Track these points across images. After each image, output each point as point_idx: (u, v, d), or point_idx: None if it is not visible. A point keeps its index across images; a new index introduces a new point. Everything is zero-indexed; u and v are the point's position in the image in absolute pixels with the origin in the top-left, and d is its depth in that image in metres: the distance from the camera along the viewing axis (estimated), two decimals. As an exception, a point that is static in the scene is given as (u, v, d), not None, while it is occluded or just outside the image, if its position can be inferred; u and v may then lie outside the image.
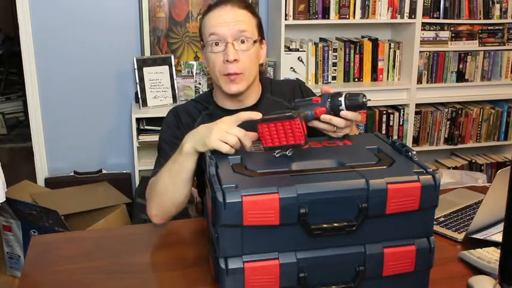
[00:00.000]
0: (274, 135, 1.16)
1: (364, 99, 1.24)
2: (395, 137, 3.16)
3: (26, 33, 2.85)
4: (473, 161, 3.34)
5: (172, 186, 1.33)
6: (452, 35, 3.15)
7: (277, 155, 1.16)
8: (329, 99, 1.26)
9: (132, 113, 2.81)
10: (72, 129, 3.04)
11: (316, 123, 1.29)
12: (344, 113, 1.25)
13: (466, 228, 1.41)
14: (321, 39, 3.16)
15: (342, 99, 1.24)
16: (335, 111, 1.25)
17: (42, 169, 3.03)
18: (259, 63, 1.55)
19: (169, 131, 1.56)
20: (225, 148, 1.17)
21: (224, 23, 1.44)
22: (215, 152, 1.18)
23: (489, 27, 3.19)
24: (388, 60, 3.16)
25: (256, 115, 1.20)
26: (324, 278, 1.05)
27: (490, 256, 1.22)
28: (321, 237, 1.02)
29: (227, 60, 1.44)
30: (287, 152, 1.15)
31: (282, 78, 2.91)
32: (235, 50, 1.44)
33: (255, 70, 1.51)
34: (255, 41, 1.48)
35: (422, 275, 1.11)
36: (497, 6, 3.13)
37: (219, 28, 1.44)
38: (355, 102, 1.24)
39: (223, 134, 1.18)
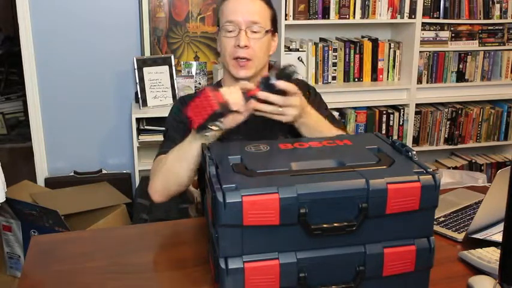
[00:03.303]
0: (198, 113, 1.25)
1: (291, 69, 1.33)
2: (395, 137, 3.16)
3: (26, 33, 2.85)
4: (473, 161, 3.34)
5: (178, 163, 1.39)
6: (452, 35, 3.15)
7: (210, 132, 1.26)
8: (262, 80, 1.34)
9: (132, 113, 2.81)
10: (72, 129, 3.04)
11: (259, 106, 1.34)
12: (277, 83, 1.33)
13: (466, 228, 1.41)
14: (321, 39, 3.16)
15: (271, 74, 1.32)
16: (271, 90, 1.32)
17: (42, 169, 3.03)
18: (269, 54, 1.61)
19: (173, 115, 1.63)
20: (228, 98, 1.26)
21: (240, 12, 1.52)
22: (214, 152, 1.18)
23: (489, 27, 3.19)
24: (388, 60, 3.16)
25: (252, 86, 1.33)
26: (324, 278, 1.05)
27: (490, 256, 1.22)
28: (321, 237, 1.03)
29: (238, 45, 1.51)
30: (219, 124, 1.25)
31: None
32: (247, 37, 1.51)
33: (264, 59, 1.58)
34: (267, 31, 1.54)
35: (422, 275, 1.11)
36: (497, 6, 3.13)
37: (235, 16, 1.52)
38: (283, 73, 1.31)
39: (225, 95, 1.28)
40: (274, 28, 1.60)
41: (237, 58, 1.52)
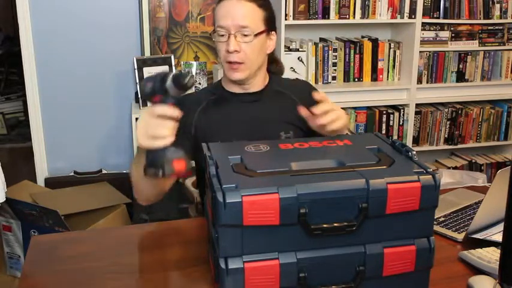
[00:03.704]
0: None
1: (190, 81, 1.15)
2: (395, 137, 3.16)
3: (26, 33, 2.85)
4: (473, 161, 3.34)
5: (140, 180, 1.35)
6: (452, 35, 3.15)
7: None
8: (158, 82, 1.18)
9: (132, 113, 2.81)
10: (72, 129, 3.04)
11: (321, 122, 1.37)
12: (314, 94, 1.36)
13: (466, 228, 1.41)
14: (321, 39, 3.16)
15: (168, 76, 1.17)
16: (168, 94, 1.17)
17: (42, 169, 3.03)
18: (266, 53, 1.60)
19: None
20: (156, 143, 1.17)
21: (229, 16, 1.51)
22: (214, 152, 1.18)
23: (489, 27, 3.19)
24: (388, 60, 3.16)
25: (171, 111, 1.17)
26: (324, 278, 1.05)
27: (490, 256, 1.22)
28: (321, 237, 1.03)
29: (228, 51, 1.51)
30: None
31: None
32: (236, 41, 1.51)
33: (258, 60, 1.57)
34: (256, 34, 1.52)
35: (422, 275, 1.11)
36: (497, 6, 3.13)
37: (224, 21, 1.51)
38: (179, 81, 1.15)
39: (147, 132, 1.18)
40: (270, 27, 1.58)
41: (230, 62, 1.53)
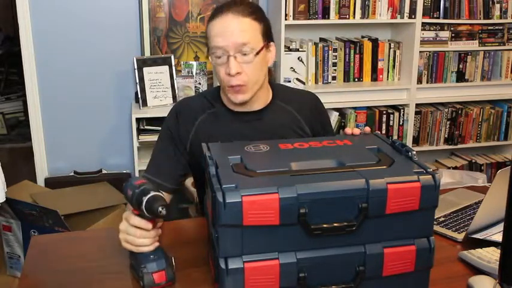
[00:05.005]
0: None
1: (162, 212, 1.11)
2: (395, 137, 3.16)
3: (26, 33, 2.85)
4: (473, 161, 3.34)
5: None
6: (452, 35, 3.15)
7: None
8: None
9: (132, 113, 2.81)
10: (72, 129, 3.04)
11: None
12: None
13: (466, 228, 1.41)
14: (321, 39, 3.16)
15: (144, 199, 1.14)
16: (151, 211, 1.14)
17: (42, 169, 3.03)
18: (268, 66, 1.52)
19: (165, 129, 1.59)
20: (139, 250, 1.19)
21: (226, 34, 1.41)
22: (214, 152, 1.18)
23: (489, 27, 3.19)
24: (388, 60, 3.16)
25: (147, 226, 1.18)
26: (324, 278, 1.05)
27: (490, 256, 1.22)
28: (321, 237, 1.03)
29: (229, 74, 1.42)
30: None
31: (282, 78, 2.91)
32: (237, 62, 1.41)
33: (260, 78, 1.48)
34: (257, 52, 1.43)
35: (422, 275, 1.11)
36: (497, 6, 3.13)
37: (221, 41, 1.41)
38: (152, 207, 1.12)
39: (127, 239, 1.21)
40: (268, 39, 1.49)
41: (232, 86, 1.44)
